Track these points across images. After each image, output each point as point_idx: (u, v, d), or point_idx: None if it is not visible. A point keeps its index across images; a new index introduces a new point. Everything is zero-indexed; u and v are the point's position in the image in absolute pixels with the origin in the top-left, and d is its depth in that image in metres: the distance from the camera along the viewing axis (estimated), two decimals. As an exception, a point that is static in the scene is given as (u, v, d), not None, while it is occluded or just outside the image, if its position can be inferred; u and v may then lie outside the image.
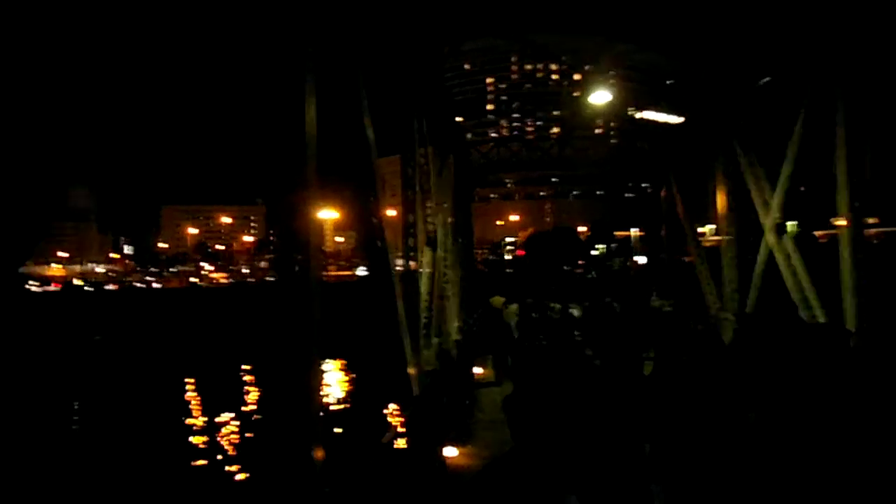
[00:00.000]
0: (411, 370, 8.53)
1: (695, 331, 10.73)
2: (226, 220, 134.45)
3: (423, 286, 11.02)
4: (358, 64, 7.26)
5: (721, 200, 14.05)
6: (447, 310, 14.98)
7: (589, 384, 5.25)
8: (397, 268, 8.45)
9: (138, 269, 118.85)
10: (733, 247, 13.94)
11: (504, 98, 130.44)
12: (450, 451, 7.56)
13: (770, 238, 11.39)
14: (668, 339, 7.03)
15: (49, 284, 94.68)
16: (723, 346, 8.65)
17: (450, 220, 15.50)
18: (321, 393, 6.20)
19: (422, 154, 11.92)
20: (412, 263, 9.98)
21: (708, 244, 30.82)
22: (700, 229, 21.12)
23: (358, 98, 7.19)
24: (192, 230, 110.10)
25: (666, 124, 18.10)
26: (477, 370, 11.86)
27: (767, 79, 12.72)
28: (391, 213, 10.31)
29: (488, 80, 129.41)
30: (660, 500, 4.75)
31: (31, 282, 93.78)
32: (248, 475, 16.58)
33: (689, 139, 17.36)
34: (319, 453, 4.96)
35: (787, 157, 10.95)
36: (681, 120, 17.37)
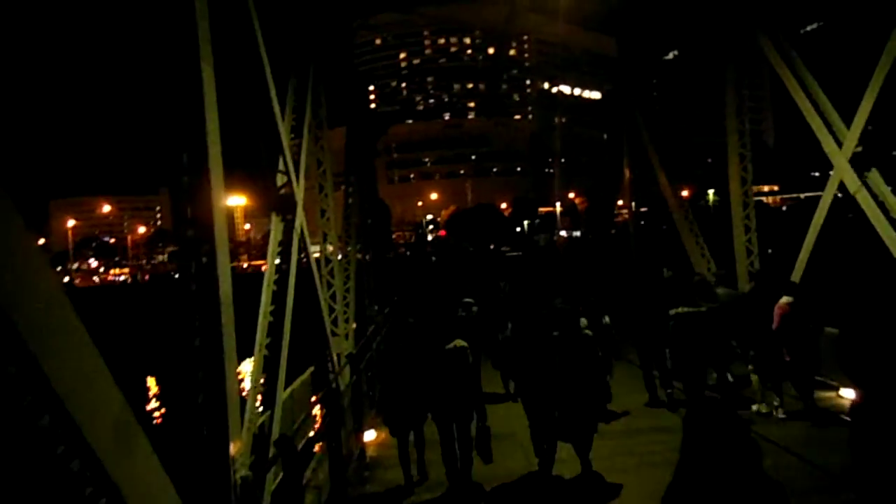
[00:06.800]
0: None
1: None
2: (106, 208, 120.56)
3: (267, 279, 5.95)
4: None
5: (732, 141, 9.69)
6: (336, 313, 9.98)
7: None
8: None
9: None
10: (747, 203, 9.63)
11: (417, 74, 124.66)
12: None
13: (846, 175, 6.95)
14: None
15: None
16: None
17: (330, 200, 10.73)
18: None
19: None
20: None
21: (621, 219, 23.24)
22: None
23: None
24: (71, 222, 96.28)
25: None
26: (369, 435, 6.90)
27: None
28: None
29: (401, 55, 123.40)
30: None
31: None
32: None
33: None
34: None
35: (886, 51, 6.63)
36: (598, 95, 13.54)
